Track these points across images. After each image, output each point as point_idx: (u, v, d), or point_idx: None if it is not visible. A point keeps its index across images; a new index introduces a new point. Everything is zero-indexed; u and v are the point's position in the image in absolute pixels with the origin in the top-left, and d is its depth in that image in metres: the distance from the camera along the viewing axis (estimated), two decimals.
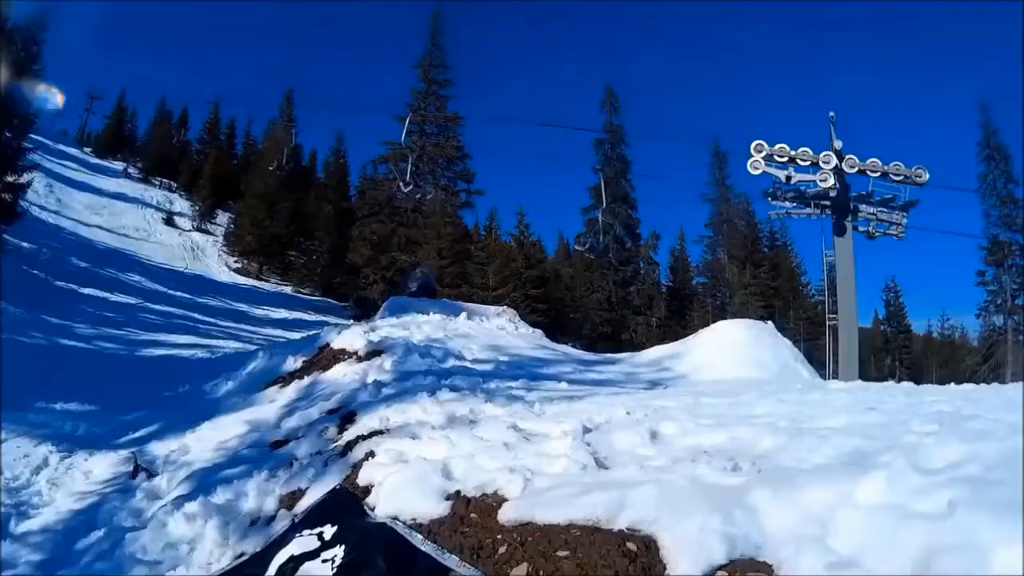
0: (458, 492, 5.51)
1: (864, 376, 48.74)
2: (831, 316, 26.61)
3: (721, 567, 3.86)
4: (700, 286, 58.80)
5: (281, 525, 6.19)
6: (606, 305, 48.64)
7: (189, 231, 54.55)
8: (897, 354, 67.06)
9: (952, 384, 11.24)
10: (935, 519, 3.71)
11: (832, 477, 4.48)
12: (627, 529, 4.37)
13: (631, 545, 4.23)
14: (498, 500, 5.25)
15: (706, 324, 24.84)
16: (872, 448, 5.15)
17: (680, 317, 52.06)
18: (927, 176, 24.98)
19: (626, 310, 49.36)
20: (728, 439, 6.00)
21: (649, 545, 4.19)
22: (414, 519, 5.25)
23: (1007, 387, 10.18)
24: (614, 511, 4.52)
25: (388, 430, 7.87)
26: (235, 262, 50.93)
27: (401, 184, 36.98)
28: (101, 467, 9.04)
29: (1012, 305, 45.58)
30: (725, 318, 39.93)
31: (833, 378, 23.51)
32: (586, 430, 6.93)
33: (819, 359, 29.65)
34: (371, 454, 6.95)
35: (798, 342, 52.34)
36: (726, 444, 5.89)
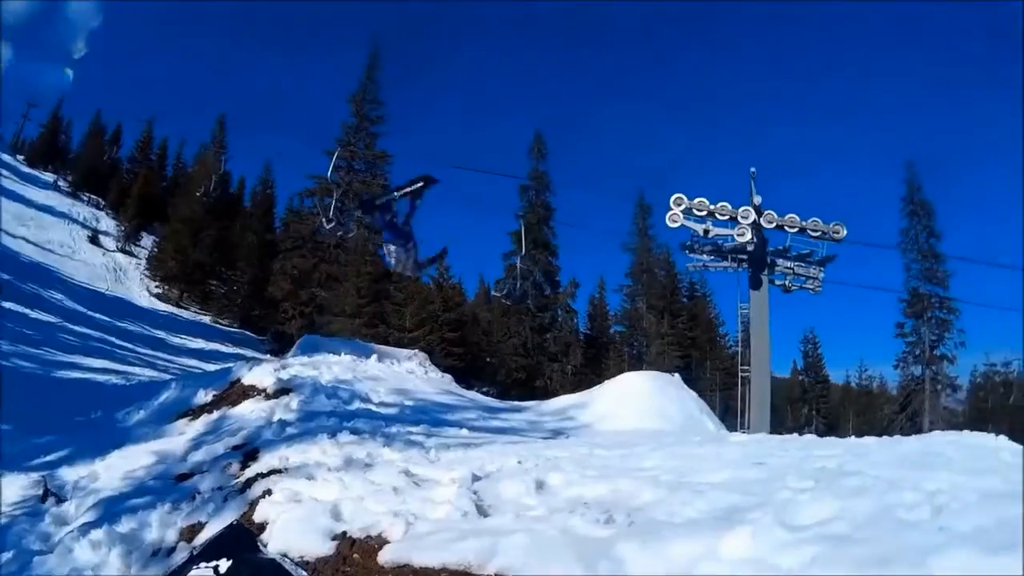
0: (344, 533, 5.70)
1: (781, 425, 49.54)
2: (744, 368, 26.90)
3: None
4: (618, 335, 58.65)
5: (180, 556, 6.21)
6: (522, 351, 48.19)
7: (113, 251, 52.51)
8: (814, 403, 67.96)
9: (851, 437, 11.35)
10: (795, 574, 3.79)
11: (700, 531, 4.56)
12: (496, 575, 4.48)
13: None
14: (380, 542, 5.42)
15: (622, 372, 25.08)
16: (746, 504, 5.24)
17: (596, 365, 51.55)
18: (845, 232, 25.41)
19: (542, 356, 48.95)
20: (610, 491, 6.09)
21: None
22: (302, 557, 5.43)
23: (907, 440, 10.26)
24: (485, 557, 4.63)
25: (287, 469, 7.95)
26: (156, 287, 49.42)
27: (324, 220, 36.50)
28: (11, 489, 8.91)
29: (931, 356, 46.56)
30: (642, 367, 40.25)
31: (745, 428, 23.75)
32: (475, 478, 6.99)
33: (735, 409, 30.07)
34: (268, 492, 7.04)
35: (714, 392, 53.06)
36: (607, 496, 5.98)
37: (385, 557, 5.09)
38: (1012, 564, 3.74)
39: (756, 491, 5.69)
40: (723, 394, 49.52)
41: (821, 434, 12.74)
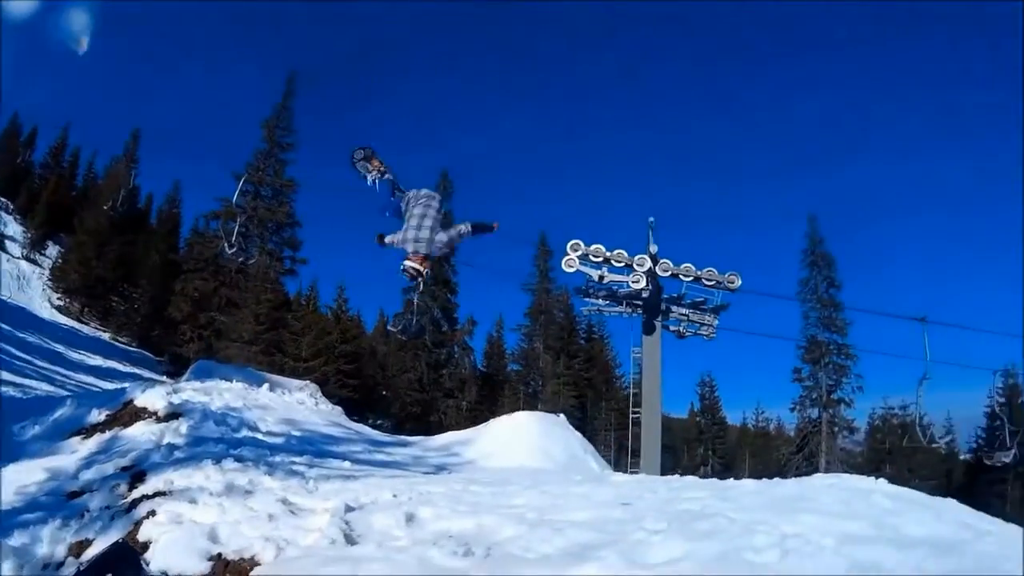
0: (220, 554, 5.91)
1: (678, 465, 50.24)
2: (635, 410, 27.16)
3: None
4: (514, 373, 58.69)
5: (68, 572, 6.43)
6: (417, 386, 48.13)
7: (18, 258, 50.64)
8: (711, 444, 68.97)
9: (732, 478, 11.53)
10: None
11: (550, 566, 4.81)
12: None
13: None
14: (252, 564, 5.68)
15: (517, 410, 25.34)
16: (600, 542, 5.47)
17: (491, 402, 50.99)
18: (739, 282, 25.75)
19: (437, 392, 48.84)
20: (475, 526, 6.30)
21: None
22: (179, 575, 5.65)
23: (786, 482, 10.42)
24: None
25: (171, 492, 8.05)
26: (58, 299, 47.87)
27: (226, 244, 35.88)
28: None
29: (828, 399, 47.93)
30: (537, 406, 40.48)
31: (635, 468, 24.10)
32: (349, 509, 7.13)
33: (628, 448, 30.46)
34: (153, 513, 7.16)
35: (609, 432, 53.47)
36: (471, 530, 6.18)
37: None
38: None
39: (613, 530, 5.91)
40: (618, 434, 50.03)
41: (717, 474, 13.06)
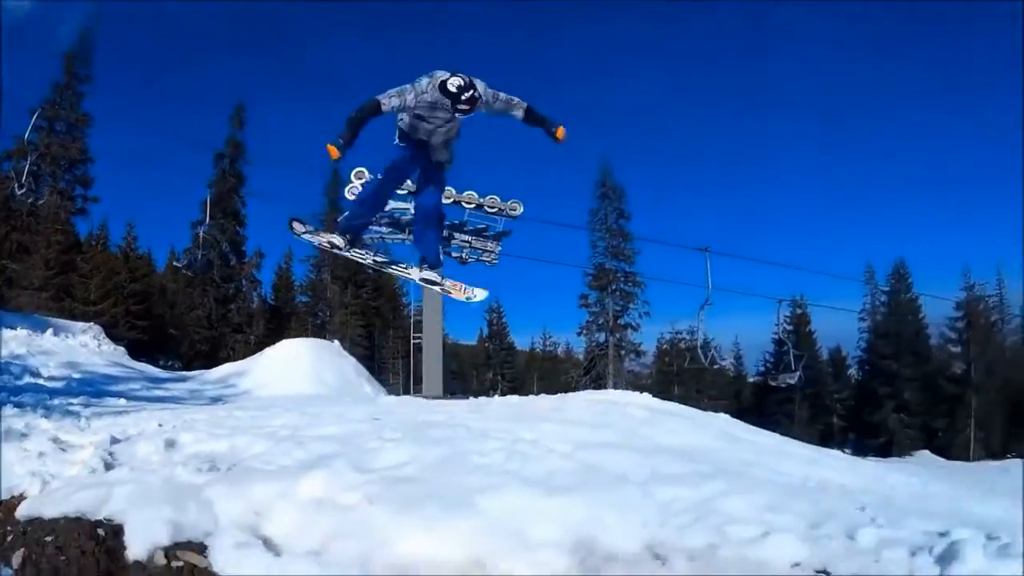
0: None
1: (468, 390, 51.36)
2: (416, 335, 27.77)
3: (165, 548, 4.68)
4: (302, 305, 58.32)
5: None
6: (205, 323, 47.66)
7: None
8: (499, 368, 70.45)
9: (501, 395, 12.18)
10: (347, 510, 4.72)
11: (286, 476, 5.41)
12: (104, 519, 5.13)
13: (101, 531, 5.04)
14: (20, 499, 5.92)
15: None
16: (336, 452, 6.10)
17: (279, 335, 49.40)
18: (522, 209, 26.41)
19: (226, 327, 48.41)
20: (229, 446, 6.81)
21: (117, 531, 4.99)
22: None
23: (549, 398, 11.07)
24: (97, 505, 5.26)
25: None
26: None
27: (16, 186, 34.23)
28: None
29: (615, 324, 50.29)
30: (325, 336, 40.81)
31: (418, 392, 24.74)
32: (115, 440, 7.45)
33: (413, 374, 31.21)
34: None
35: (397, 359, 54.24)
36: (224, 450, 6.70)
37: (22, 512, 5.52)
38: (566, 504, 4.70)
39: (353, 442, 6.53)
40: (405, 361, 50.74)
41: (506, 396, 13.47)
